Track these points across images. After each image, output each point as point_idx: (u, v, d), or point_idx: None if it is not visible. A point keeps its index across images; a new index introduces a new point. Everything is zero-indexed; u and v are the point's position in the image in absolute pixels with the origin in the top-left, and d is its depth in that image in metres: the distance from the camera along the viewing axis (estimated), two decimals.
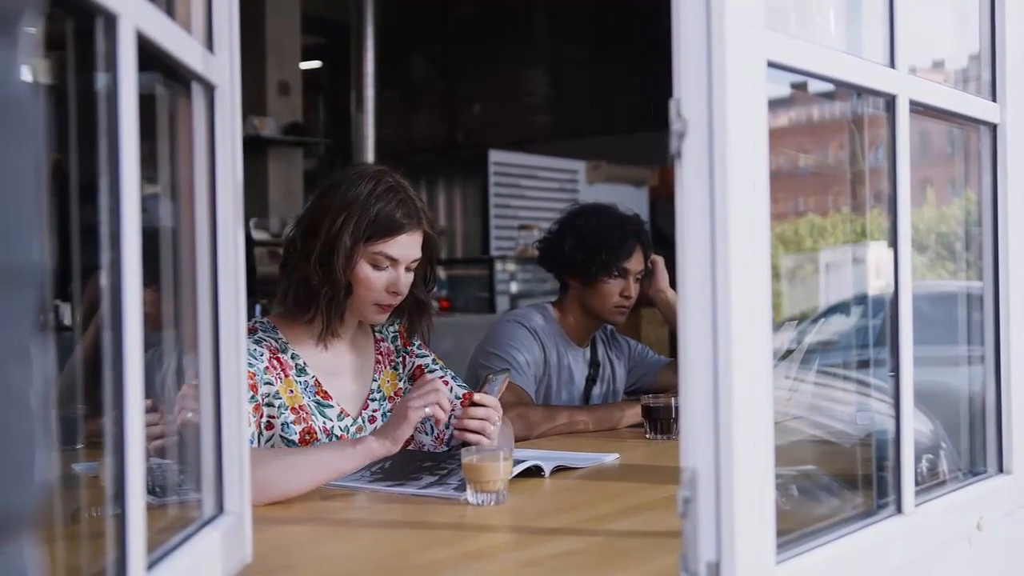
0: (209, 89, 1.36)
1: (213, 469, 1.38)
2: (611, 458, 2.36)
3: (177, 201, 1.39)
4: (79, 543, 1.23)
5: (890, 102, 1.53)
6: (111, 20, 1.01)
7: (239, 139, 1.42)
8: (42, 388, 0.58)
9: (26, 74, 0.59)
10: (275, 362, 2.18)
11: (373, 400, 2.34)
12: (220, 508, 1.38)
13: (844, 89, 1.62)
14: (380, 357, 2.39)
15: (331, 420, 2.23)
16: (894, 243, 1.54)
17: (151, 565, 1.10)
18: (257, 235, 7.08)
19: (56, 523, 1.11)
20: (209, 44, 1.37)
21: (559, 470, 2.18)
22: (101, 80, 1.04)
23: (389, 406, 2.35)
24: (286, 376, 2.20)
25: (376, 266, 2.21)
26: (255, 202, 7.50)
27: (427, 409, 1.98)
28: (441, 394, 2.01)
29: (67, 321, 2.63)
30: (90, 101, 1.04)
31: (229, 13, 1.40)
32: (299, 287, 2.21)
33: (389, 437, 1.99)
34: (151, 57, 1.13)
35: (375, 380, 2.36)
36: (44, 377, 0.58)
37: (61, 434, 1.48)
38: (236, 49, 1.42)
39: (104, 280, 1.02)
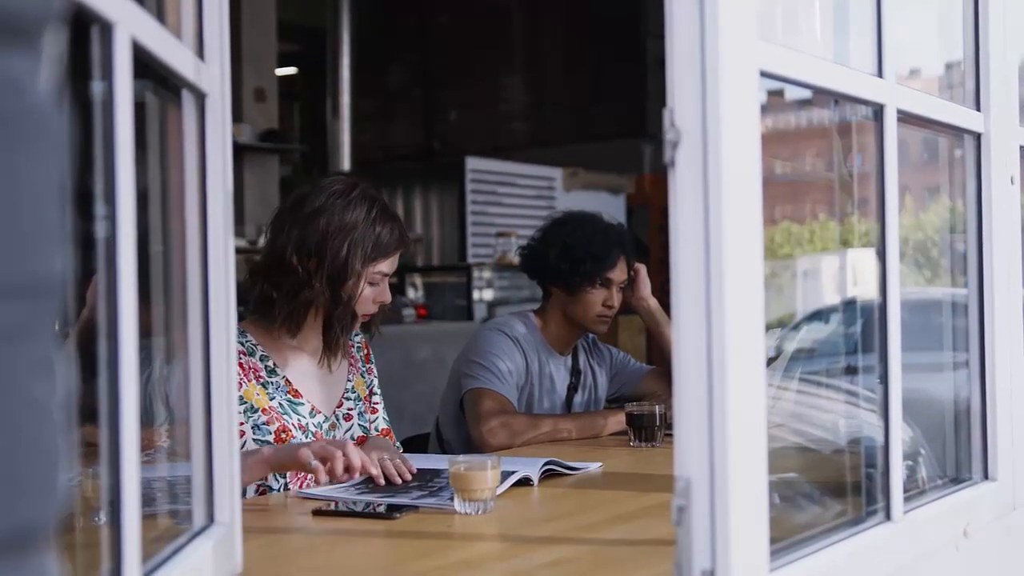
0: (200, 97, 1.35)
1: (203, 480, 1.37)
2: (595, 467, 2.36)
3: (166, 210, 1.39)
4: (68, 553, 1.22)
5: (878, 111, 1.54)
6: (107, 28, 1.00)
7: (229, 147, 1.41)
8: (64, 399, 0.57)
9: (49, 84, 0.58)
10: (238, 366, 2.20)
11: (348, 399, 2.43)
12: (211, 519, 1.37)
13: (821, 97, 1.63)
14: (352, 360, 2.48)
15: (304, 417, 2.30)
16: (882, 251, 1.55)
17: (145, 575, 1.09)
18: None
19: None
20: (200, 52, 1.36)
21: (547, 476, 2.19)
22: (95, 88, 1.03)
23: (363, 406, 2.45)
24: (251, 380, 2.25)
25: (372, 283, 2.32)
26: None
27: (314, 463, 1.96)
28: (338, 462, 1.98)
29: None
30: (84, 109, 1.03)
31: (219, 21, 1.39)
32: (303, 309, 2.27)
33: (271, 454, 2.03)
34: (142, 64, 1.13)
35: (349, 380, 2.45)
36: (66, 389, 0.58)
37: None
38: (226, 57, 1.41)
39: (100, 287, 1.02)
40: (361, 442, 2.41)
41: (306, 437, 2.27)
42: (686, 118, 1.19)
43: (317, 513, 1.88)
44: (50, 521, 0.56)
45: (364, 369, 2.51)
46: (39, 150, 0.56)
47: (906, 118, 1.61)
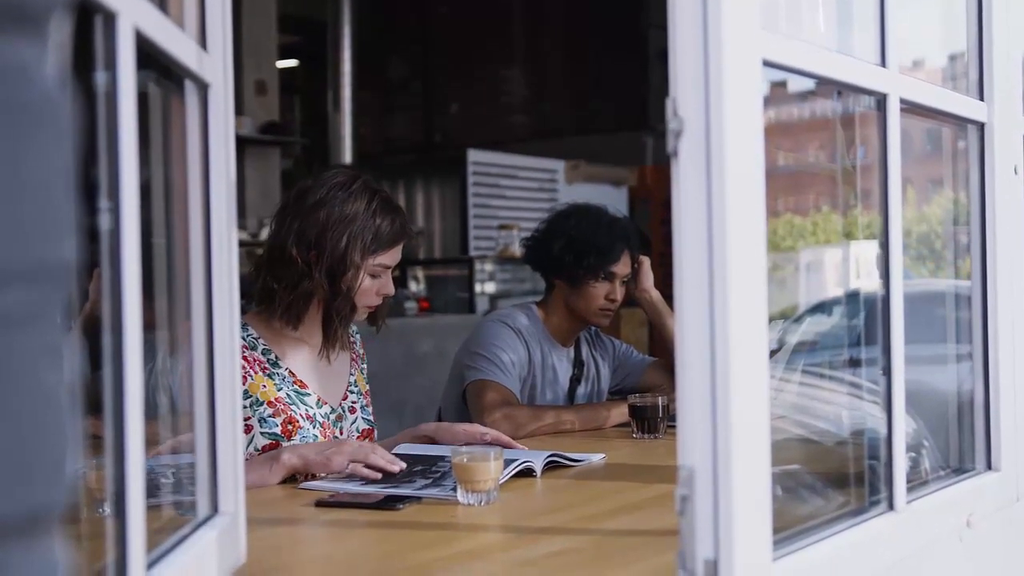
0: (203, 87, 1.35)
1: (208, 469, 1.37)
2: (598, 458, 2.36)
3: (169, 201, 1.39)
4: (72, 544, 1.22)
5: (881, 101, 1.54)
6: (110, 18, 1.00)
7: (232, 138, 1.41)
8: (72, 385, 0.58)
9: (55, 72, 0.58)
10: (242, 361, 2.21)
11: (352, 392, 2.45)
12: (215, 508, 1.37)
13: (830, 87, 1.63)
14: (354, 355, 2.50)
15: (311, 407, 2.31)
16: (885, 242, 1.55)
17: (150, 565, 1.09)
18: None
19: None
20: (203, 42, 1.36)
21: (550, 468, 2.19)
22: (99, 78, 1.03)
23: (365, 401, 2.47)
24: (256, 373, 2.26)
25: (373, 276, 2.32)
26: None
27: (350, 467, 2.06)
28: (373, 459, 2.08)
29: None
30: (88, 99, 1.03)
31: (222, 10, 1.39)
32: (302, 301, 2.28)
33: (299, 455, 2.08)
34: (145, 55, 1.12)
35: (351, 375, 2.46)
36: (74, 374, 0.58)
37: None
38: (229, 47, 1.41)
39: (104, 280, 1.02)
40: (367, 435, 2.43)
41: (314, 427, 2.28)
42: (689, 108, 1.19)
43: (320, 504, 1.88)
44: (58, 506, 0.57)
45: (362, 367, 2.54)
46: (47, 137, 0.56)
47: (909, 108, 1.61)
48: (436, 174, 8.66)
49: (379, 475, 2.04)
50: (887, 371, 1.55)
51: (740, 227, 1.19)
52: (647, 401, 2.69)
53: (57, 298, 0.57)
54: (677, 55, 1.20)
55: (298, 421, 2.25)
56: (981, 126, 1.84)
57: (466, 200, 8.10)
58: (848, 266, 2.05)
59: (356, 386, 2.46)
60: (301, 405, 2.28)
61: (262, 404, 2.23)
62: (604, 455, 2.38)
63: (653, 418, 2.65)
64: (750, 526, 1.20)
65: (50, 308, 0.56)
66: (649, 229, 7.78)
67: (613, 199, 7.85)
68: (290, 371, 2.31)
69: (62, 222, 0.57)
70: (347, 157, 8.83)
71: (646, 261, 3.14)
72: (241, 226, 7.41)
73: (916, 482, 1.71)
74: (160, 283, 1.36)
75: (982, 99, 1.83)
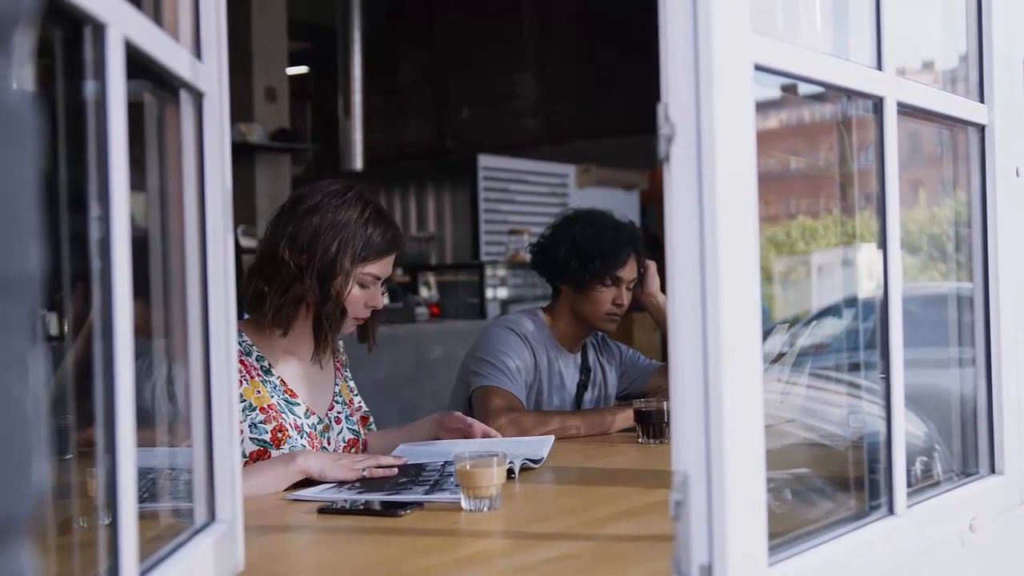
0: (197, 97, 1.36)
1: (205, 477, 1.37)
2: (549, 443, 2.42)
3: (165, 210, 1.39)
4: (70, 552, 1.23)
5: (878, 104, 1.54)
6: (99, 29, 1.01)
7: (228, 146, 1.41)
8: (38, 395, 0.58)
9: (21, 83, 0.59)
10: (238, 364, 2.22)
11: (337, 402, 2.47)
12: (212, 516, 1.38)
13: (832, 91, 1.63)
14: (339, 365, 2.52)
15: (300, 417, 2.34)
16: (883, 244, 1.54)
17: (144, 572, 1.10)
18: (245, 242, 7.05)
19: (49, 532, 1.11)
20: (197, 52, 1.36)
21: (524, 470, 2.23)
22: (89, 88, 1.04)
23: (349, 411, 2.49)
24: (252, 378, 2.28)
25: (362, 285, 2.34)
26: (243, 209, 7.47)
27: (365, 472, 2.14)
28: (383, 461, 2.21)
29: (53, 331, 2.64)
30: (78, 109, 1.04)
31: (217, 20, 1.39)
32: (292, 305, 2.29)
33: (316, 461, 2.13)
34: (138, 65, 1.13)
35: (336, 385, 2.49)
36: (40, 384, 0.58)
37: (53, 444, 1.48)
38: (224, 56, 1.41)
39: (94, 289, 1.02)
40: (352, 444, 2.44)
41: (301, 437, 2.29)
42: (680, 113, 1.19)
43: (323, 511, 1.88)
44: (24, 515, 0.57)
45: (347, 375, 2.56)
46: (14, 149, 0.56)
47: (907, 111, 1.60)
48: (447, 179, 8.66)
49: (395, 471, 2.15)
50: (886, 373, 1.54)
51: (732, 232, 1.19)
52: (652, 406, 2.68)
53: (23, 308, 0.57)
54: (668, 60, 1.20)
55: (287, 430, 2.27)
56: (982, 128, 1.83)
57: (477, 205, 8.10)
58: (858, 269, 2.04)
59: (341, 396, 2.48)
60: (290, 414, 2.31)
61: (255, 409, 2.25)
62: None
63: (658, 423, 2.65)
64: (744, 531, 1.19)
65: (15, 318, 0.56)
66: (661, 233, 7.75)
67: (624, 203, 7.85)
68: (281, 380, 2.34)
69: (27, 233, 0.57)
70: (358, 163, 8.84)
71: (652, 265, 3.14)
72: (251, 233, 7.41)
73: (926, 485, 1.71)
74: (160, 292, 1.37)
75: (983, 101, 1.83)
